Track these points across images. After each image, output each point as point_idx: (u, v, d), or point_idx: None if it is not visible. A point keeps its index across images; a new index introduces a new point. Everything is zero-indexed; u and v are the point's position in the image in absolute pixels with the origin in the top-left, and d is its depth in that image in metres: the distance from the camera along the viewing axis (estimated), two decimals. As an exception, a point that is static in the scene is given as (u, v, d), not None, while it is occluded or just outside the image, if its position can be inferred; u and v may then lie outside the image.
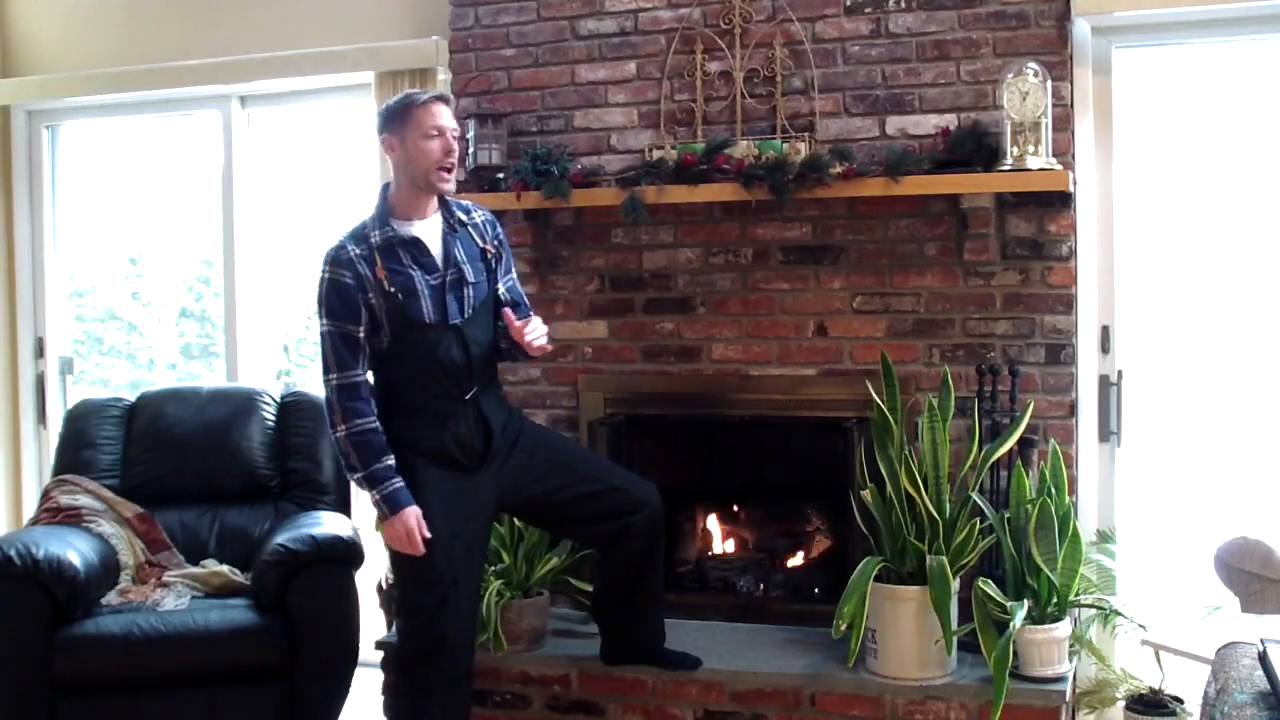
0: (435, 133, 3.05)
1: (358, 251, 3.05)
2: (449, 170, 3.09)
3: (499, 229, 3.29)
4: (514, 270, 3.33)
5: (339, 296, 3.03)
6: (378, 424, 3.04)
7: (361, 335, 3.04)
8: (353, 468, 3.05)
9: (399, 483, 3.03)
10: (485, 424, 3.13)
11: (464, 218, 3.21)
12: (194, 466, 4.10)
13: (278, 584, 3.52)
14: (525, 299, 3.33)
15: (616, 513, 3.29)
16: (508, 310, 3.15)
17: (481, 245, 3.20)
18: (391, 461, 3.04)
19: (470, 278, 3.14)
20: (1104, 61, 3.70)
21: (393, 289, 3.03)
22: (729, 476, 4.28)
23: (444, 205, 3.18)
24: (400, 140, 3.07)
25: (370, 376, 3.10)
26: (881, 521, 3.34)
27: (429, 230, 3.13)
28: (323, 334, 3.06)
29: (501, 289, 3.24)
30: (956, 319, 3.67)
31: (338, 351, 3.03)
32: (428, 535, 3.02)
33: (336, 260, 3.05)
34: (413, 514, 3.02)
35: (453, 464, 3.11)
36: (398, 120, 3.08)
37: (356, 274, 3.02)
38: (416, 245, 3.10)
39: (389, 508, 3.02)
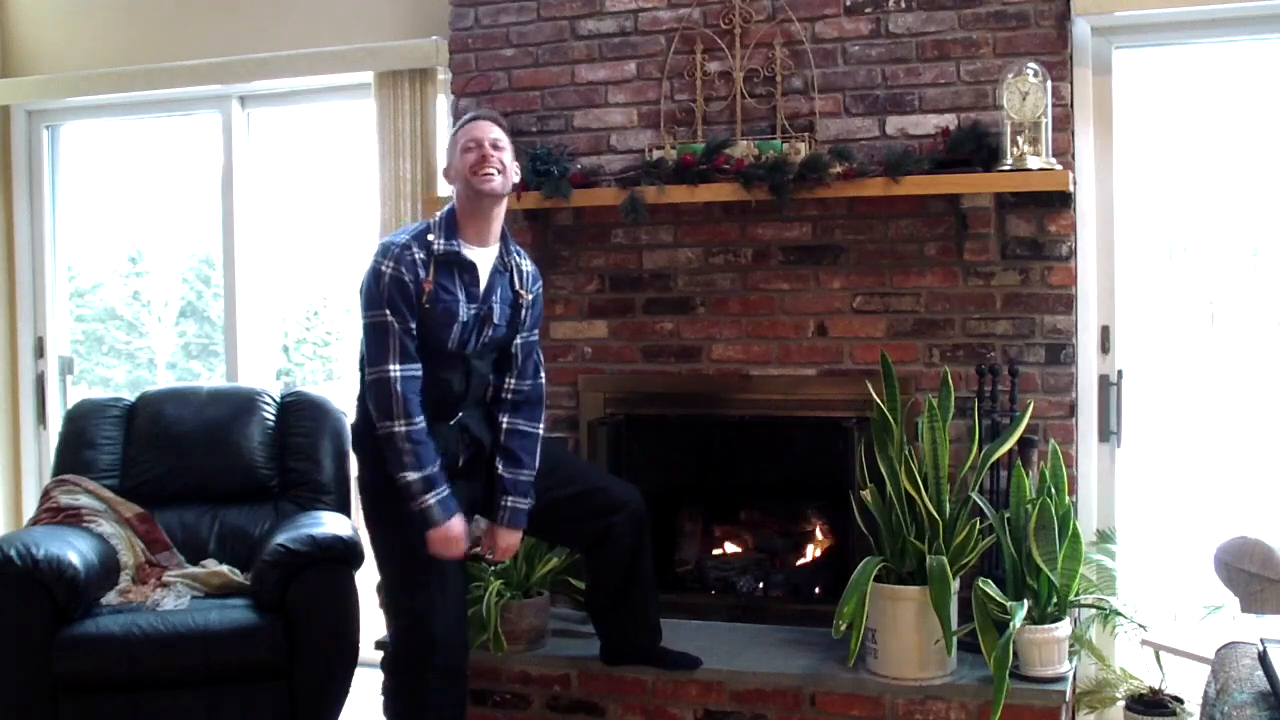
0: (472, 145, 3.07)
1: (420, 256, 3.03)
2: (486, 173, 3.06)
3: (539, 283, 3.29)
4: (538, 330, 3.30)
5: (401, 293, 3.00)
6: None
7: (415, 332, 3.03)
8: (406, 467, 2.97)
9: (448, 489, 3.02)
10: (474, 442, 3.17)
11: (517, 260, 3.21)
12: (194, 466, 4.09)
13: (277, 584, 3.51)
14: (540, 359, 3.28)
15: (596, 513, 3.29)
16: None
17: (517, 289, 3.19)
18: (440, 465, 3.01)
19: (496, 319, 3.14)
20: (1104, 61, 3.70)
21: (429, 305, 3.03)
22: (729, 476, 4.27)
23: (504, 241, 3.17)
24: (450, 164, 3.13)
25: None
26: (881, 521, 3.34)
27: (484, 260, 3.12)
28: (380, 325, 2.99)
29: (519, 340, 3.23)
30: (956, 319, 3.67)
31: (402, 343, 2.99)
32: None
33: (400, 259, 3.01)
34: (459, 520, 3.03)
35: None
36: (449, 148, 3.16)
37: (416, 276, 3.02)
38: (471, 271, 3.09)
39: (443, 513, 2.99)
